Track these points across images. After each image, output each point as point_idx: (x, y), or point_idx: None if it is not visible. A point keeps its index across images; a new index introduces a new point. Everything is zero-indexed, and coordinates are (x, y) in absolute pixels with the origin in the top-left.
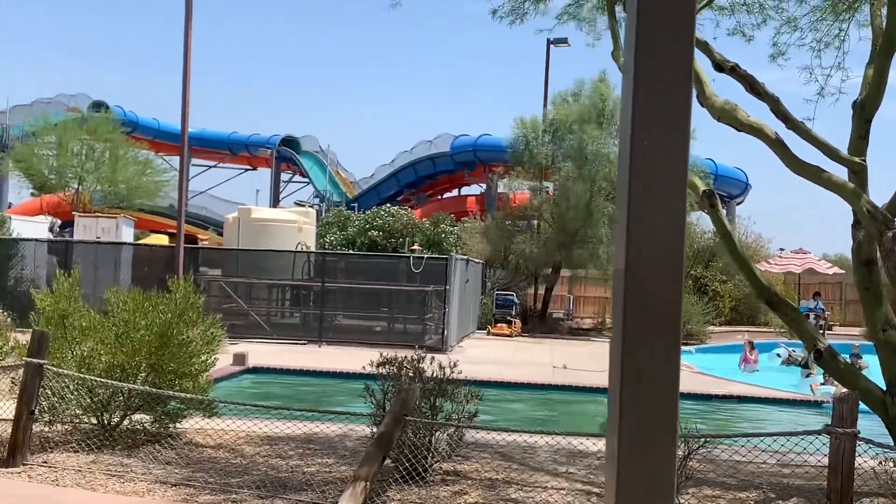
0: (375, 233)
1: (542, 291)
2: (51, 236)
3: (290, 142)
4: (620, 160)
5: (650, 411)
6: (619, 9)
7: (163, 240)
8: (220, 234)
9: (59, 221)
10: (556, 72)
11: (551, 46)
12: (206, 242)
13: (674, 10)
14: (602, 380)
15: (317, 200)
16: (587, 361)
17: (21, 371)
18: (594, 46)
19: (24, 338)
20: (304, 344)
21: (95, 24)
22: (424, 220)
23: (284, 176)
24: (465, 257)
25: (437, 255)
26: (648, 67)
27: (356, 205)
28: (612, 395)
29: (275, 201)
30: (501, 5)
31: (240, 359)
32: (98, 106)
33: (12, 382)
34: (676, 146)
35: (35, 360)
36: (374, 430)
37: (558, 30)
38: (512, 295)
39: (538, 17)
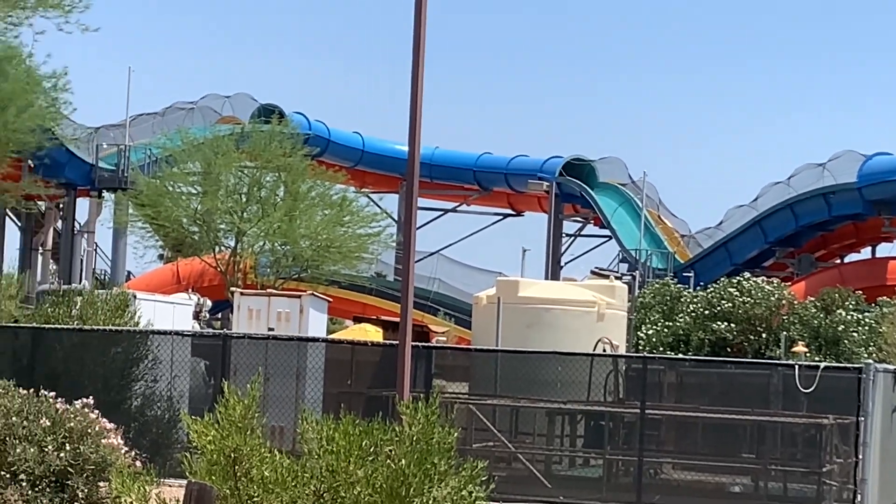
0: (723, 324)
1: None
2: (197, 326)
3: (577, 168)
4: None
5: None
6: None
7: (370, 332)
8: (464, 325)
9: (210, 303)
10: None
11: None
12: (444, 339)
13: None
14: None
15: (625, 267)
16: None
17: None
18: None
19: (172, 493)
20: None
21: (266, 7)
22: (809, 299)
23: (570, 225)
24: (894, 368)
25: (837, 364)
26: None
27: (691, 274)
28: None
29: (554, 268)
30: None
31: None
32: (267, 113)
33: None
34: None
35: None
36: None
37: None
38: None
39: None
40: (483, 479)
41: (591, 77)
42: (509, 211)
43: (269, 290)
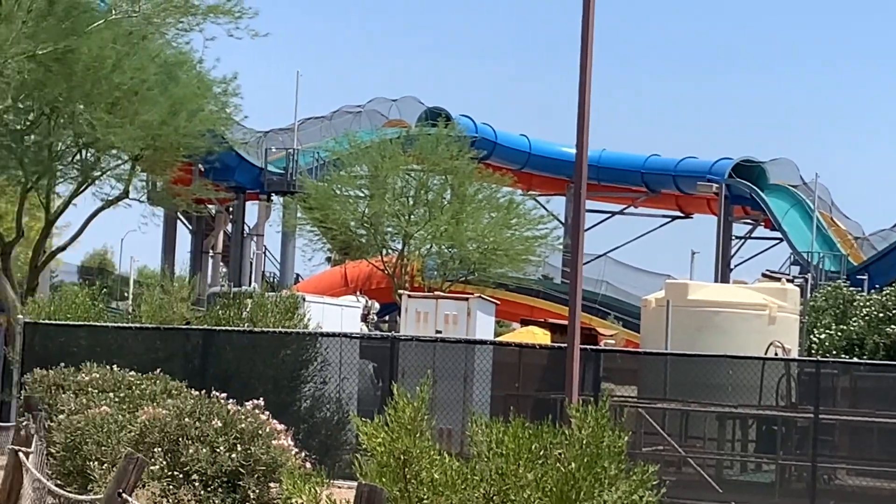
0: None
1: None
2: (365, 328)
3: (747, 170)
4: None
5: None
6: None
7: (538, 335)
8: (633, 328)
9: (377, 305)
10: None
11: None
12: (612, 342)
13: None
14: None
15: (797, 270)
16: None
17: None
18: None
19: (342, 495)
20: None
21: (433, 11)
22: None
23: (739, 228)
24: None
25: None
26: None
27: (865, 276)
28: None
29: (724, 271)
30: None
31: None
32: (434, 116)
33: None
34: None
35: None
36: None
37: None
38: None
39: None
40: (654, 483)
41: (762, 77)
42: (678, 213)
43: (436, 293)
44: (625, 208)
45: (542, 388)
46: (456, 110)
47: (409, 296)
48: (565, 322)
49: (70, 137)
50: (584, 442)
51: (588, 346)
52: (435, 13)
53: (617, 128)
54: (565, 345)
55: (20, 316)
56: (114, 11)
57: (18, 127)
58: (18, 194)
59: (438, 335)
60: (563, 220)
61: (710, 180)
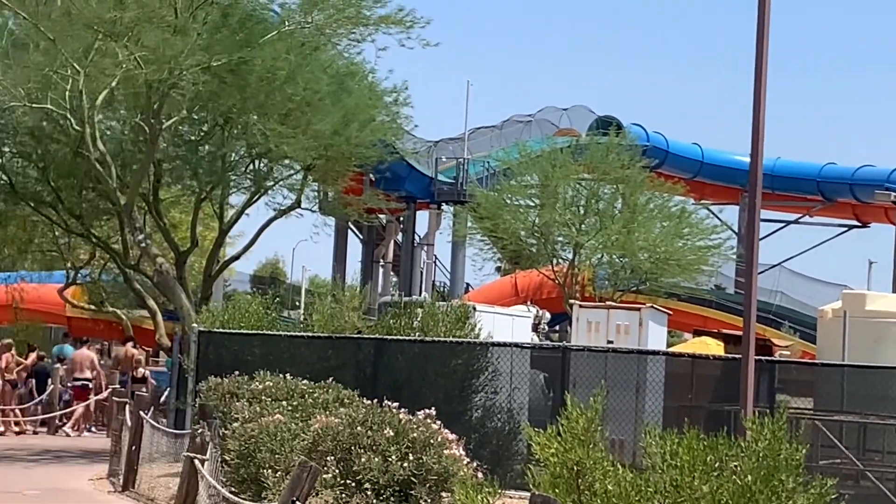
0: None
1: None
2: (536, 338)
3: None
4: None
5: None
6: None
7: (710, 346)
8: (808, 339)
9: (548, 315)
10: None
11: None
12: (787, 353)
13: None
14: None
15: None
16: None
17: None
18: None
19: None
20: None
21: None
22: None
23: None
24: None
25: None
26: None
27: None
28: None
29: None
30: None
31: None
32: (605, 125)
33: None
34: None
35: None
36: None
37: None
38: None
39: None
40: (832, 497)
41: None
42: (854, 222)
43: (607, 303)
44: (800, 217)
45: (715, 399)
46: (627, 119)
47: (581, 305)
48: (739, 333)
49: (243, 148)
50: (761, 454)
51: (762, 357)
52: (605, 21)
53: (792, 135)
54: (739, 356)
55: (195, 325)
56: (287, 23)
57: (193, 138)
58: (193, 204)
59: (610, 345)
60: (736, 230)
61: (888, 189)
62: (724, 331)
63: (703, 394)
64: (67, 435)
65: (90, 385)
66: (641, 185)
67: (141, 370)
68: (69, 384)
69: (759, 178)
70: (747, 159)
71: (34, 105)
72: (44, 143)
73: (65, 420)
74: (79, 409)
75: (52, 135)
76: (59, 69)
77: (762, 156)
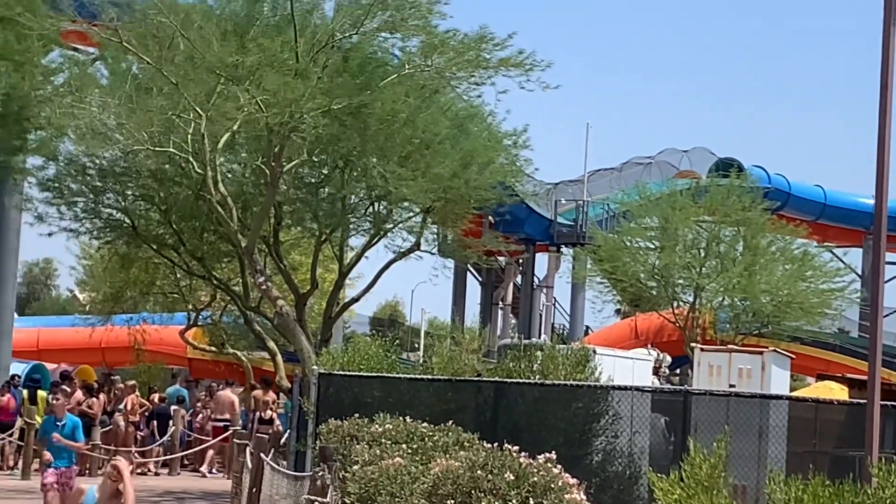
0: None
1: None
2: (657, 382)
3: None
4: None
5: None
6: None
7: (834, 390)
8: None
9: (669, 358)
10: None
11: None
12: None
13: None
14: None
15: None
16: None
17: None
18: None
19: None
20: None
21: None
22: None
23: None
24: None
25: None
26: None
27: None
28: None
29: None
30: None
31: None
32: (726, 167)
33: None
34: None
35: None
36: None
37: None
38: None
39: None
40: None
41: None
42: None
43: (729, 346)
44: None
45: (839, 444)
46: (748, 161)
47: (702, 349)
48: (863, 377)
49: (363, 190)
50: (888, 501)
51: (889, 403)
52: (727, 62)
53: None
54: (864, 400)
55: (315, 367)
56: (407, 66)
57: (313, 180)
58: (313, 246)
59: (732, 389)
60: (860, 273)
61: None
62: (848, 375)
63: (828, 439)
64: (204, 475)
65: (229, 426)
66: (763, 228)
67: (269, 412)
68: (209, 425)
69: (884, 220)
70: (871, 201)
71: (157, 148)
72: (166, 185)
73: (186, 462)
74: (214, 448)
75: (174, 178)
76: (181, 113)
77: (887, 197)
